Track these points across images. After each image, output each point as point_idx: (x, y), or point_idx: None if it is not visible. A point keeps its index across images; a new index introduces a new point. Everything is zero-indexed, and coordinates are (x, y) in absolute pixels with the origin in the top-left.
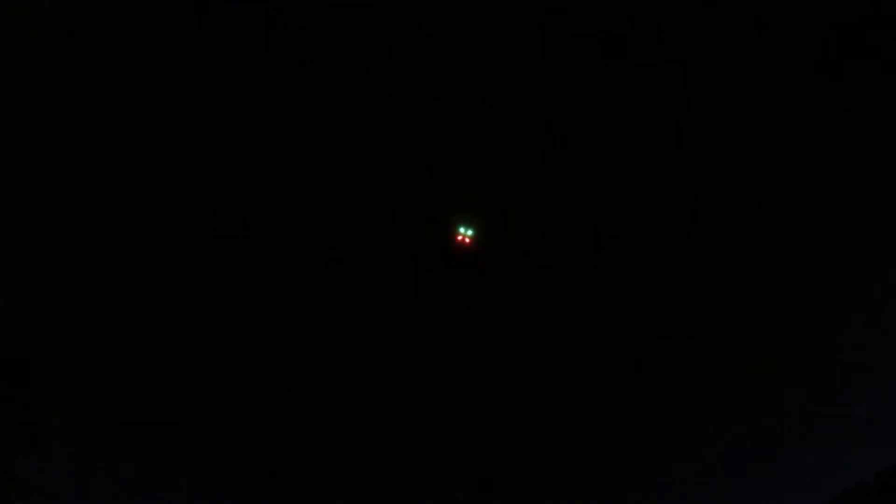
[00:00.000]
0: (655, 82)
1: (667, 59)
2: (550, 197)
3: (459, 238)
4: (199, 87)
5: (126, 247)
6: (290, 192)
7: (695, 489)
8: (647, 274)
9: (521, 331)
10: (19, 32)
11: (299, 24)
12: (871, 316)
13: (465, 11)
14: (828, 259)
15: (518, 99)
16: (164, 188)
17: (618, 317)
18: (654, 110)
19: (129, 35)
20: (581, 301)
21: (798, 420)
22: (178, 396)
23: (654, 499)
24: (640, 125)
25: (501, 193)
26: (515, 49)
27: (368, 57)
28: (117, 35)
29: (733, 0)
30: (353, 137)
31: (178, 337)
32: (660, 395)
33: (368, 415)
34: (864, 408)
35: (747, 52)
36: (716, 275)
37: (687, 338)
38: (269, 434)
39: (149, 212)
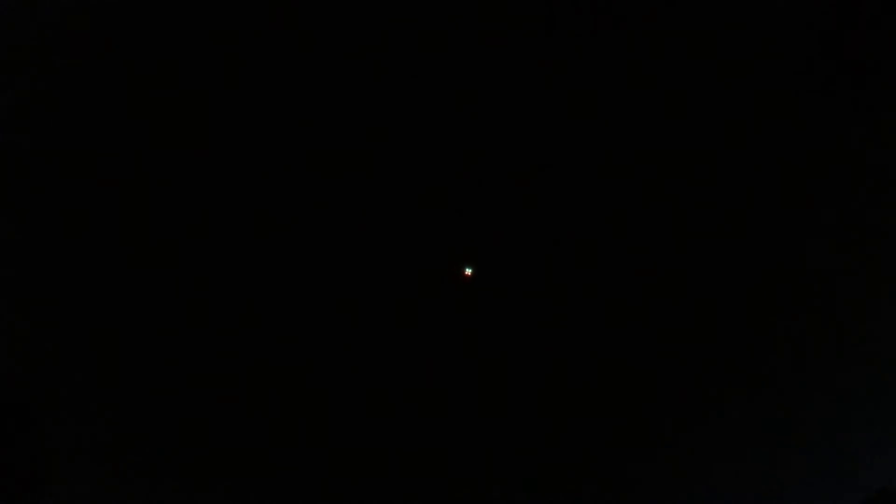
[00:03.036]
0: (652, 83)
1: (665, 59)
2: (548, 199)
3: (466, 274)
4: (198, 86)
5: (120, 249)
6: (289, 196)
7: (713, 494)
8: (651, 274)
9: (521, 335)
10: (19, 31)
11: (299, 24)
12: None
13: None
14: (852, 254)
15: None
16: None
17: (625, 319)
18: (653, 111)
19: (130, 34)
20: (581, 303)
21: (824, 423)
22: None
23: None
24: (638, 126)
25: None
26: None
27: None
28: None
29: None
30: (354, 139)
31: (169, 344)
32: (679, 400)
33: (368, 417)
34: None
35: (746, 51)
36: (729, 273)
37: (706, 339)
38: (264, 448)
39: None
